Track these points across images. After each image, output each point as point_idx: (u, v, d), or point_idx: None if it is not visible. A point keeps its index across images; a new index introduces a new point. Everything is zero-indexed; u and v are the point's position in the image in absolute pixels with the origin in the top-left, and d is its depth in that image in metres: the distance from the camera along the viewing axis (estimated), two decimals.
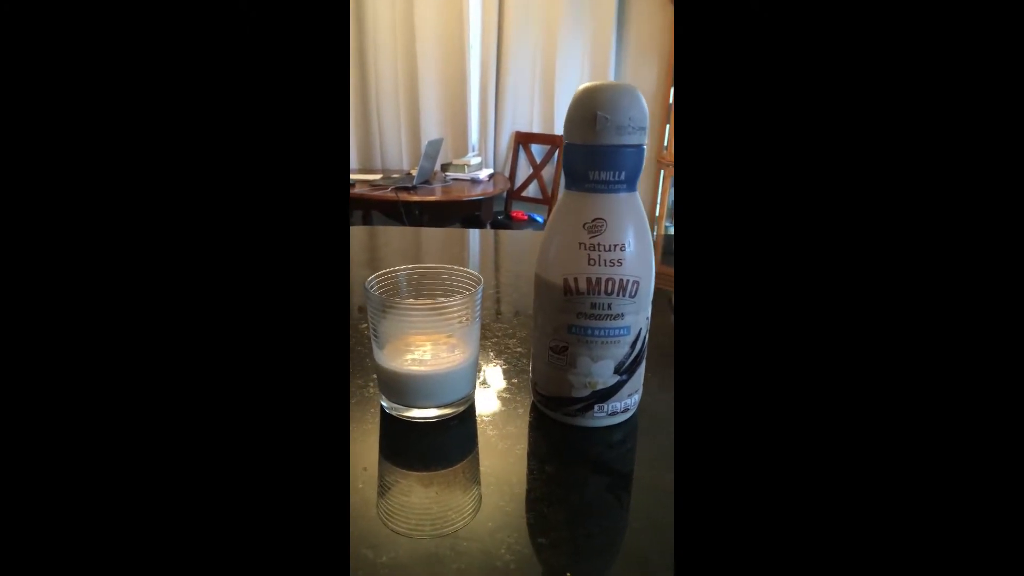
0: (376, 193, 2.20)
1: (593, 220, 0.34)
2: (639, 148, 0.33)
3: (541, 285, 0.36)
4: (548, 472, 0.34)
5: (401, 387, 0.38)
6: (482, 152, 2.78)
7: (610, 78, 2.60)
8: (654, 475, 0.34)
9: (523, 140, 2.73)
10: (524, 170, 2.78)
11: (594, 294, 0.34)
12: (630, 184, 0.34)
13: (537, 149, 2.72)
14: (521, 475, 0.34)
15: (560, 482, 0.33)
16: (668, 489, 0.33)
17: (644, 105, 0.33)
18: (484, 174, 2.55)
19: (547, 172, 2.69)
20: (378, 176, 2.46)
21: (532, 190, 2.72)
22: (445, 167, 2.53)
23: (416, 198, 2.17)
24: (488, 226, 2.42)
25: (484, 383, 0.44)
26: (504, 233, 1.01)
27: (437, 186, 2.36)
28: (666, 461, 0.35)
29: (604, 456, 0.36)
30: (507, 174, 2.79)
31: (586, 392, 0.36)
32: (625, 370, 0.36)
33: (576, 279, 0.34)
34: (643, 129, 0.33)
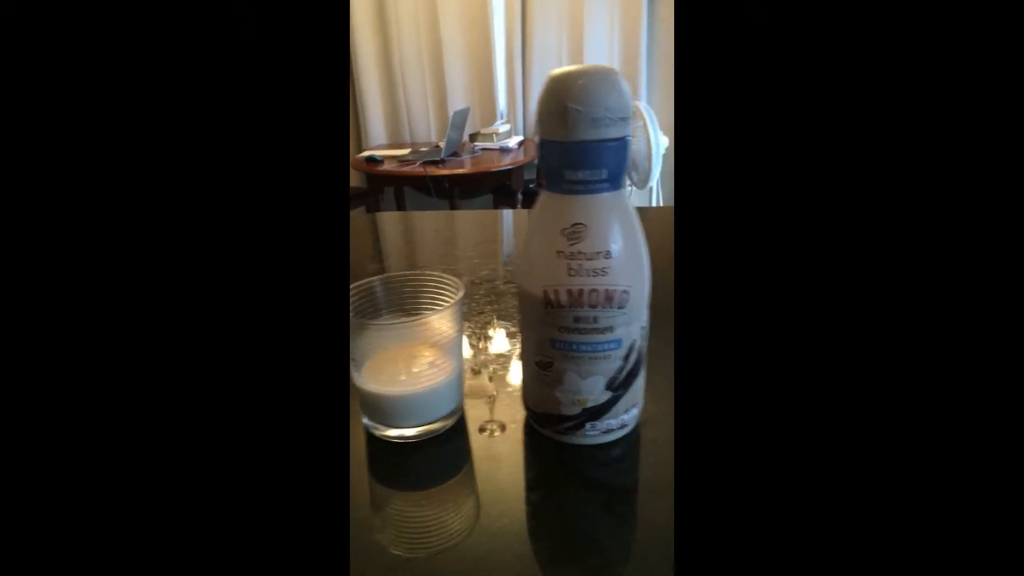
0: (405, 169, 2.18)
1: (572, 225, 0.30)
2: (621, 141, 0.29)
3: (522, 296, 0.33)
4: (540, 493, 0.32)
5: (381, 407, 0.36)
6: (511, 118, 2.70)
7: (642, 33, 2.45)
8: (657, 493, 0.31)
9: None
10: None
11: (577, 307, 0.31)
12: (614, 182, 0.30)
13: None
14: (511, 495, 0.32)
15: (554, 503, 0.31)
16: (671, 507, 0.30)
17: (625, 91, 0.28)
18: (514, 142, 2.48)
19: None
20: (406, 151, 2.43)
21: None
22: (473, 137, 2.48)
23: (445, 171, 2.14)
24: (519, 195, 2.37)
25: (479, 392, 0.42)
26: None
27: (466, 157, 2.32)
28: (671, 477, 0.32)
29: (600, 475, 0.33)
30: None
31: (576, 410, 0.33)
32: (618, 386, 0.33)
33: (556, 291, 0.31)
34: (624, 119, 0.29)
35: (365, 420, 0.37)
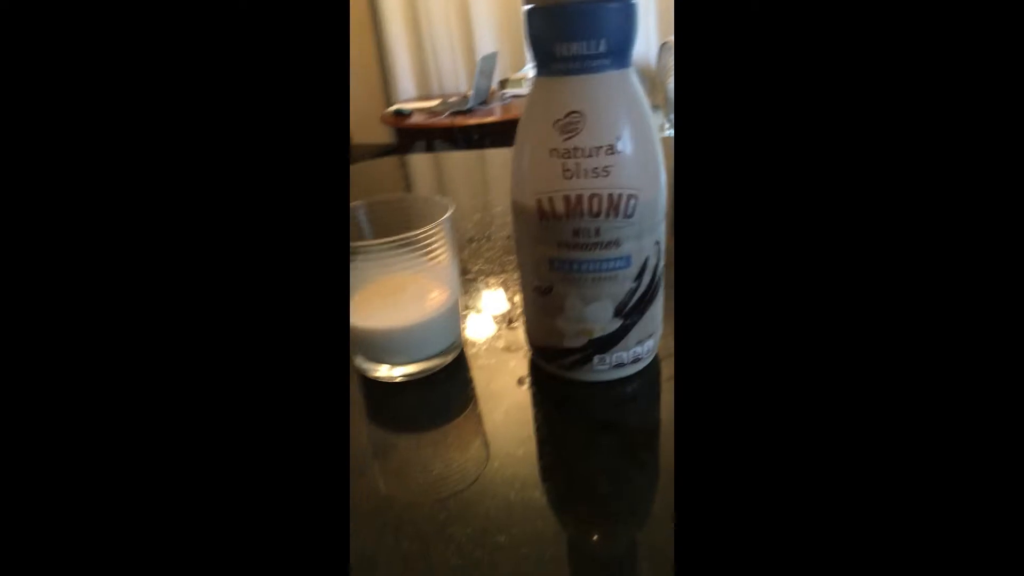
0: (433, 120, 2.12)
1: (567, 115, 0.25)
2: (625, 3, 0.23)
3: (515, 210, 0.28)
4: (548, 435, 0.28)
5: (372, 344, 0.32)
6: None
7: None
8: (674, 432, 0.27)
9: None
10: None
11: (576, 217, 0.26)
12: (618, 58, 0.24)
13: None
14: (517, 438, 0.28)
15: (562, 445, 0.27)
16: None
17: None
18: None
19: None
20: (435, 102, 2.37)
21: None
22: (503, 84, 2.38)
23: (473, 121, 2.06)
24: None
25: (515, 346, 0.38)
26: None
27: (496, 105, 2.23)
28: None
29: (612, 415, 0.29)
30: None
31: (581, 341, 0.29)
32: (629, 312, 0.28)
33: (551, 199, 0.26)
34: None
35: (357, 359, 0.34)
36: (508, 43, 2.58)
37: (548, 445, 0.28)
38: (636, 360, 0.30)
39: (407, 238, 0.30)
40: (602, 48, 0.24)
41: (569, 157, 0.25)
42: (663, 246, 0.28)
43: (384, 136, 2.56)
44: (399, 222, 0.35)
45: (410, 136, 2.31)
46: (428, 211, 0.34)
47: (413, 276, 0.33)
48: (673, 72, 2.32)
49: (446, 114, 2.12)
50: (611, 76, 0.24)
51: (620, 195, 0.25)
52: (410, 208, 0.34)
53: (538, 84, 0.26)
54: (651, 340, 0.30)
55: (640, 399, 0.30)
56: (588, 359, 0.29)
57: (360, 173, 0.83)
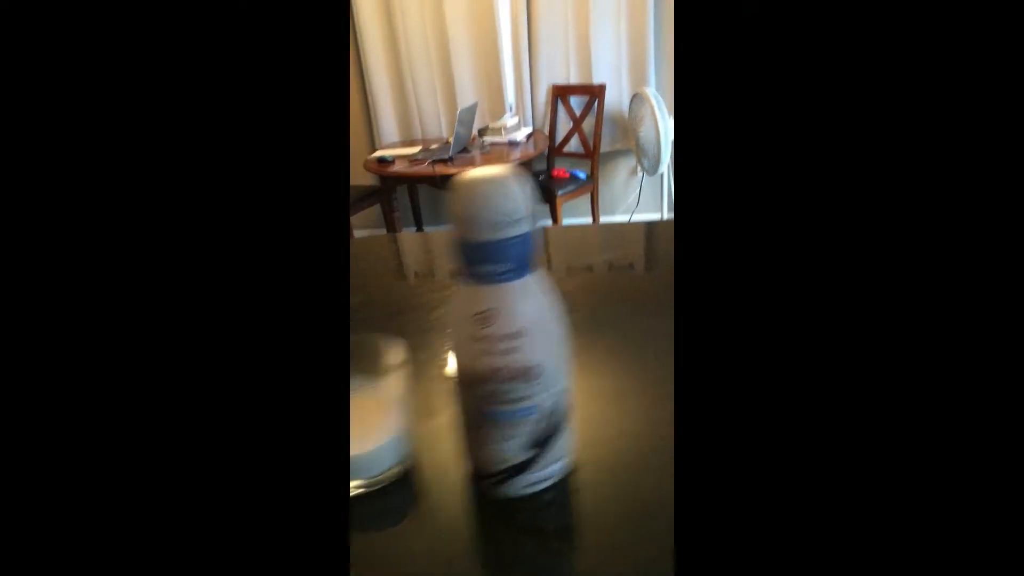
0: (415, 169, 2.22)
1: (483, 312, 0.33)
2: (522, 237, 0.32)
3: (456, 366, 0.37)
4: (481, 534, 0.36)
5: None
6: (519, 110, 2.71)
7: (649, 15, 2.41)
8: (584, 533, 0.35)
9: (560, 93, 2.62)
10: (564, 124, 2.68)
11: (493, 382, 0.34)
12: (520, 270, 0.33)
13: (576, 101, 2.61)
14: (455, 539, 0.36)
15: (492, 543, 0.35)
16: (618, 543, 0.35)
17: (521, 196, 0.31)
18: (522, 135, 2.49)
19: (588, 124, 2.58)
20: (417, 149, 2.47)
21: (574, 144, 2.63)
22: (482, 132, 2.50)
23: (453, 170, 2.17)
24: None
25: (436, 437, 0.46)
26: (549, 231, 0.99)
27: (476, 153, 2.34)
28: (610, 510, 0.37)
29: (531, 520, 0.37)
30: (547, 131, 2.71)
31: (502, 467, 0.37)
32: (539, 443, 0.37)
33: (475, 368, 0.34)
34: (523, 219, 0.32)
35: None
36: (487, 93, 2.71)
37: (480, 542, 0.36)
38: (547, 479, 0.38)
39: (365, 387, 0.38)
40: (508, 267, 0.32)
41: (486, 341, 0.34)
42: (563, 393, 0.37)
43: (368, 179, 2.65)
44: (364, 359, 0.43)
45: (392, 180, 2.41)
46: (390, 354, 0.42)
47: (373, 403, 0.42)
48: (643, 121, 2.46)
49: (427, 163, 2.22)
50: (515, 284, 0.33)
51: (526, 367, 0.34)
52: (374, 348, 0.43)
53: (463, 287, 0.34)
54: (561, 461, 0.39)
55: (553, 506, 0.38)
56: (507, 480, 0.38)
57: (356, 247, 0.92)
